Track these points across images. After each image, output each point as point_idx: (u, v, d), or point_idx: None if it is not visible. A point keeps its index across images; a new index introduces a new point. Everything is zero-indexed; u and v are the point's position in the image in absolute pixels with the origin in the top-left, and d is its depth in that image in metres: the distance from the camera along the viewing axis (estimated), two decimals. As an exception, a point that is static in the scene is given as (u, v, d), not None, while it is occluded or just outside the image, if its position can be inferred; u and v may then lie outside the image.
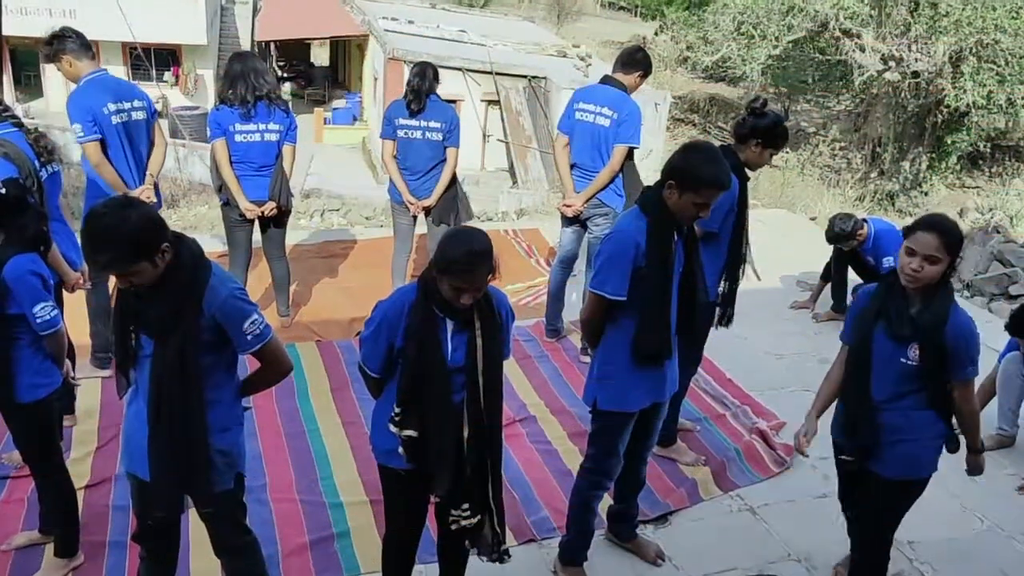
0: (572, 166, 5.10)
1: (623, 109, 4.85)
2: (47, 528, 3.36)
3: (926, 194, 17.93)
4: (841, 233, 5.73)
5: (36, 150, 3.66)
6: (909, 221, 3.48)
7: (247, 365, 2.77)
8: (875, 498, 3.11)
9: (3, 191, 2.92)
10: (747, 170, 3.87)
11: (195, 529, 3.26)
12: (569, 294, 5.52)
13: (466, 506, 2.83)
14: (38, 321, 2.90)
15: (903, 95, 17.29)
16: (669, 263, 3.02)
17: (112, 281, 4.47)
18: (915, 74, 16.49)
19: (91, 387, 4.48)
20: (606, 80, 5.00)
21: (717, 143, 3.94)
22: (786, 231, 8.03)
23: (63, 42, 4.31)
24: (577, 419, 4.56)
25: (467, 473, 2.78)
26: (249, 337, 2.54)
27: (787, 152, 17.81)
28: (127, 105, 4.49)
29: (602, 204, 5.02)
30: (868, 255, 5.80)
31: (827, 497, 4.11)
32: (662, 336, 3.08)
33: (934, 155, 18.23)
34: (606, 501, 3.54)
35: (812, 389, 5.10)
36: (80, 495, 3.46)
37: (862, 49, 17.00)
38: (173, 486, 2.59)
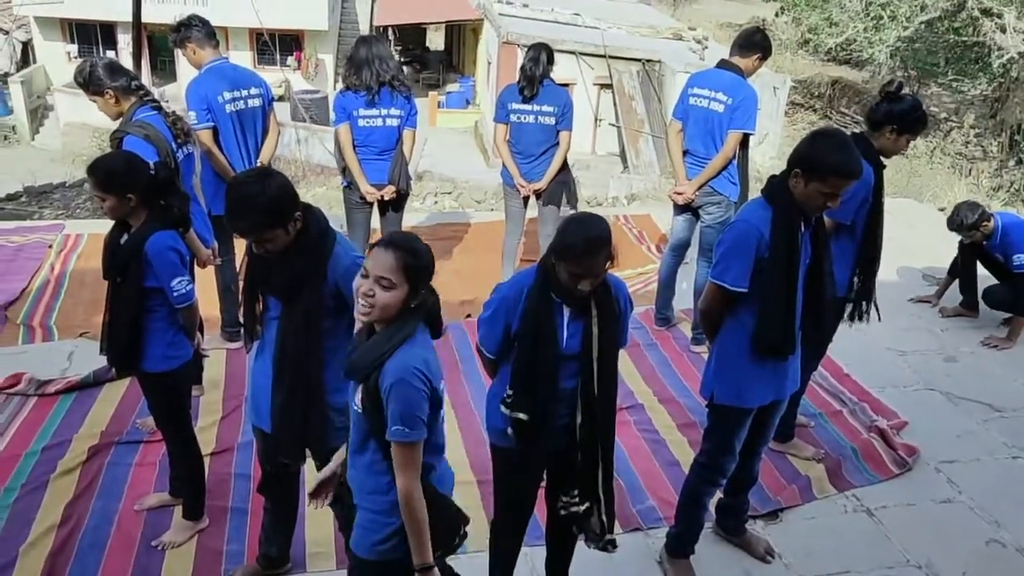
0: (685, 153, 5.01)
1: (738, 94, 4.72)
2: (176, 491, 3.56)
3: (1069, 185, 16.73)
4: (963, 223, 5.41)
5: (174, 132, 3.86)
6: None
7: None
8: None
9: (154, 172, 3.09)
10: (882, 158, 3.70)
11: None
12: (680, 282, 5.43)
13: (575, 492, 2.85)
14: (175, 295, 3.06)
15: (1047, 79, 16.17)
16: (794, 255, 2.91)
17: (239, 258, 4.70)
18: (1061, 57, 15.39)
19: (217, 359, 4.71)
20: (722, 64, 4.87)
21: (841, 129, 3.78)
22: (912, 222, 7.66)
23: (188, 30, 4.50)
24: (686, 410, 4.50)
25: (577, 459, 2.79)
26: None
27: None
28: (243, 93, 4.64)
29: (715, 192, 4.91)
30: (996, 251, 5.46)
31: (951, 503, 3.93)
32: (785, 331, 2.98)
33: (1080, 144, 16.98)
34: (715, 494, 3.47)
35: (937, 388, 4.94)
36: (206, 462, 3.65)
37: (1003, 30, 15.95)
38: (293, 438, 2.73)
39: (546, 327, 2.66)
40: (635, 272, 6.28)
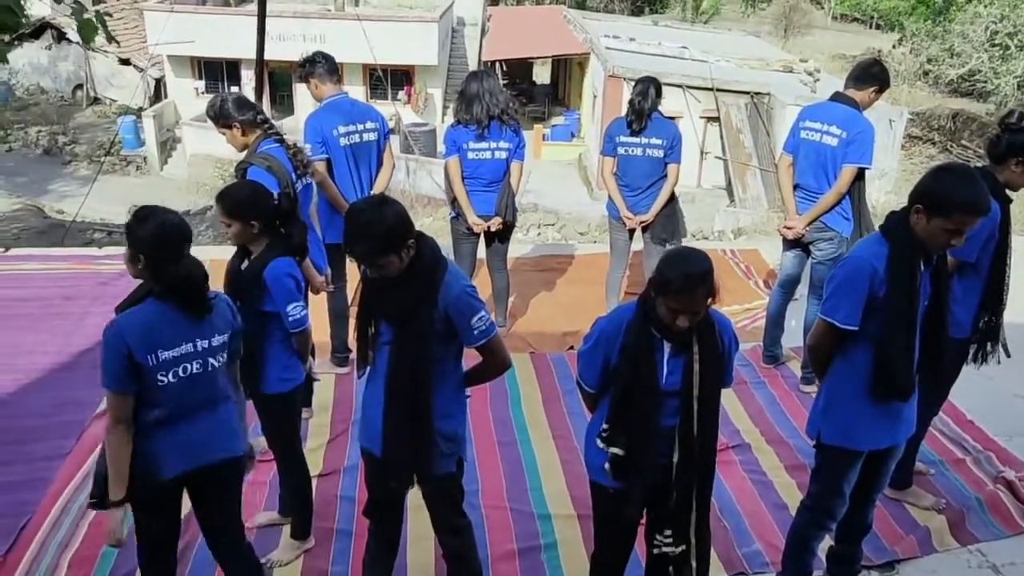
0: (795, 187, 4.90)
1: (853, 127, 4.59)
2: (285, 510, 3.67)
3: None
4: None
5: (294, 164, 4.03)
6: None
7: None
8: None
9: (277, 202, 3.24)
10: (1008, 192, 3.53)
11: (413, 525, 3.46)
12: (789, 319, 5.29)
13: (669, 532, 2.79)
14: (290, 319, 3.18)
15: None
16: (913, 294, 2.80)
17: (352, 285, 4.84)
18: None
19: (326, 383, 4.84)
20: (836, 97, 4.76)
21: (965, 163, 3.62)
22: (1042, 261, 7.23)
23: (313, 66, 4.70)
24: (796, 451, 4.35)
25: (672, 499, 2.74)
26: (476, 332, 2.70)
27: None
28: (358, 127, 4.79)
29: (827, 227, 4.77)
30: None
31: (1087, 563, 3.65)
32: (903, 373, 2.86)
33: None
34: (826, 541, 3.34)
35: (1072, 439, 4.60)
36: (313, 483, 3.74)
37: None
38: (402, 463, 2.78)
39: (645, 363, 2.64)
40: (742, 308, 6.15)
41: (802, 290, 5.20)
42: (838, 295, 2.87)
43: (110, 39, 8.61)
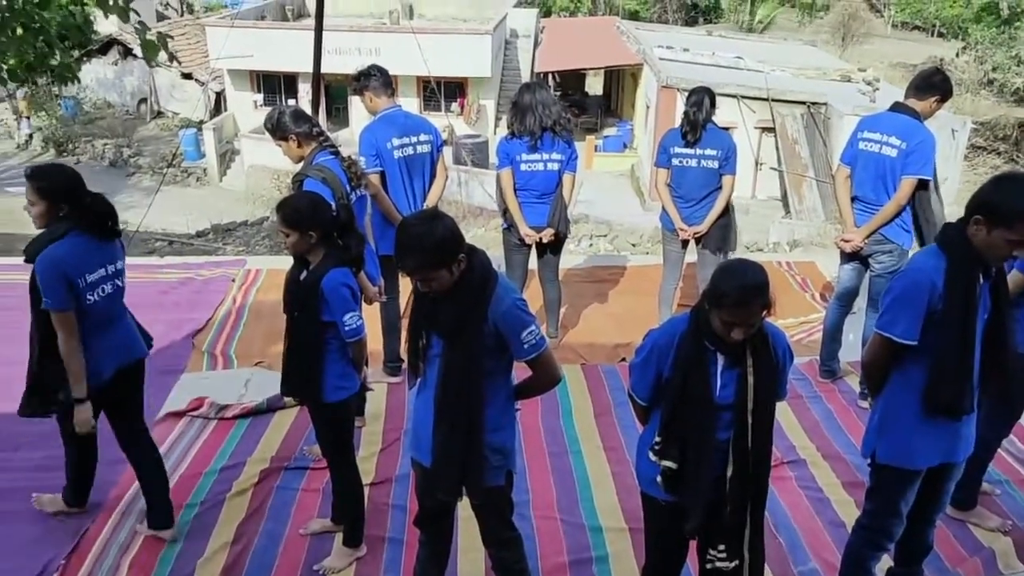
0: (853, 199, 4.81)
1: (914, 138, 4.50)
2: (338, 518, 3.71)
3: None
4: None
5: (348, 176, 4.10)
6: None
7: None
8: None
9: (335, 214, 3.30)
10: None
11: (464, 536, 3.47)
12: (846, 333, 5.18)
13: (722, 547, 2.76)
14: (346, 329, 3.23)
15: None
16: (971, 308, 2.73)
17: (404, 296, 4.89)
18: None
19: (379, 392, 4.89)
20: (896, 107, 4.66)
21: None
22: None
23: (368, 79, 4.76)
24: (853, 468, 4.26)
25: (726, 513, 2.70)
26: (526, 346, 2.70)
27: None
28: (412, 139, 4.83)
29: (886, 240, 4.68)
30: None
31: None
32: (960, 388, 2.79)
33: None
34: (885, 561, 3.26)
35: None
36: (365, 491, 3.78)
37: None
38: (451, 475, 2.79)
39: (698, 375, 2.62)
40: (797, 321, 6.05)
41: (860, 303, 5.10)
42: (895, 309, 2.81)
43: (171, 58, 8.87)
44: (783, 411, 4.70)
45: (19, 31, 9.86)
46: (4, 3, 9.28)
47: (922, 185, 4.58)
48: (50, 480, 4.07)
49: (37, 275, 3.18)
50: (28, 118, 25.42)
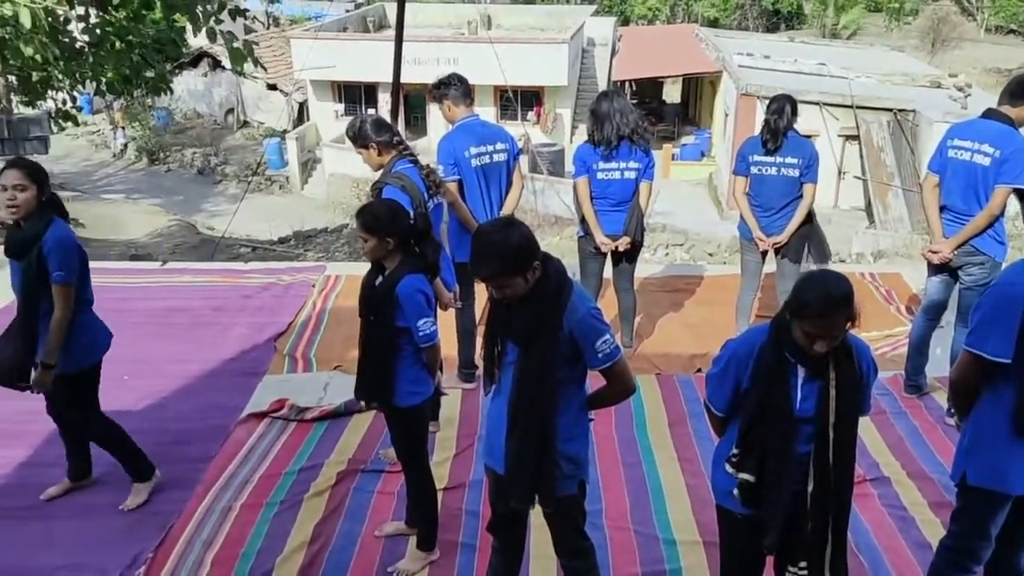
0: (942, 208, 4.65)
1: (1008, 146, 4.33)
2: (411, 521, 3.75)
3: None
4: None
5: (426, 184, 4.16)
6: None
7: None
8: None
9: (414, 222, 3.36)
10: None
11: (536, 543, 3.47)
12: (934, 347, 5.00)
13: (803, 565, 2.70)
14: (420, 334, 3.28)
15: None
16: None
17: (479, 303, 4.93)
18: None
19: (453, 398, 4.93)
20: (989, 113, 4.50)
21: None
22: None
23: (447, 88, 4.82)
24: (940, 487, 4.10)
25: (807, 530, 2.64)
26: (600, 355, 2.69)
27: None
28: (489, 148, 4.87)
29: (977, 251, 4.51)
30: None
31: None
32: None
33: None
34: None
35: None
36: (439, 496, 3.82)
37: None
38: (524, 482, 2.79)
39: (778, 388, 2.57)
40: (882, 334, 5.87)
41: (948, 317, 4.92)
42: (986, 325, 2.71)
43: (256, 64, 9.17)
44: (866, 427, 4.57)
45: (117, 45, 10.35)
46: (103, 19, 9.75)
47: (1018, 195, 4.40)
48: (139, 476, 4.24)
49: (52, 251, 3.50)
50: (123, 128, 26.63)
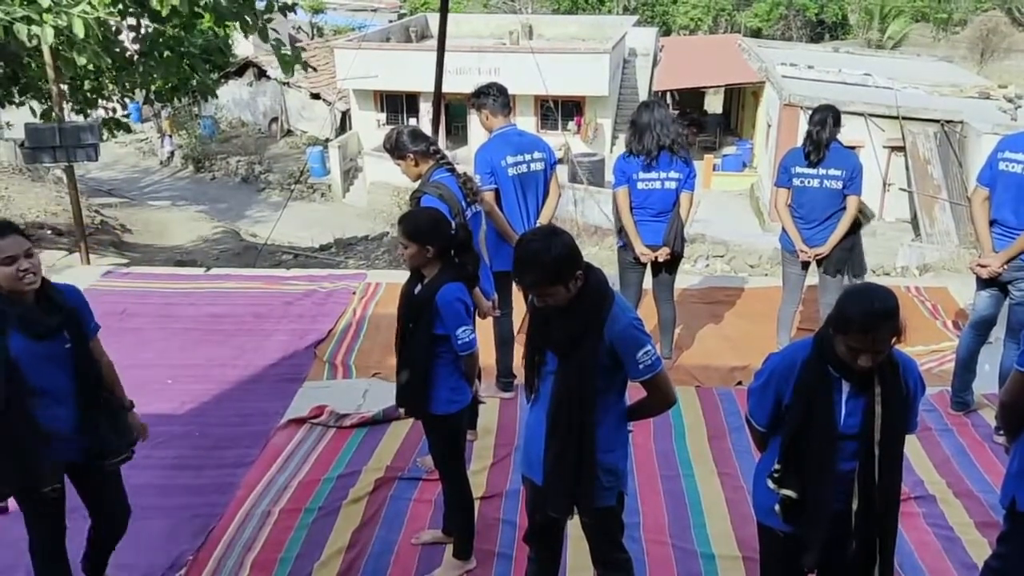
0: (992, 222, 4.55)
1: None
2: (448, 529, 3.76)
3: None
4: None
5: (464, 192, 4.17)
6: None
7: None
8: None
9: (454, 231, 3.38)
10: None
11: (573, 554, 3.46)
12: (982, 364, 4.89)
13: (846, 584, 2.64)
14: (459, 342, 3.29)
15: None
16: None
17: (517, 312, 4.93)
18: None
19: (491, 407, 4.93)
20: (1042, 125, 4.39)
21: None
22: None
23: (486, 98, 4.83)
24: (987, 507, 4.00)
25: (852, 549, 2.59)
26: (641, 366, 2.68)
27: None
28: (526, 157, 4.88)
29: (1029, 267, 4.40)
30: None
31: None
32: None
33: None
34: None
35: None
36: (476, 505, 3.81)
37: None
38: (562, 492, 2.78)
39: (821, 403, 2.53)
40: (927, 349, 5.75)
41: (997, 332, 4.81)
42: None
43: (305, 67, 9.31)
44: (910, 444, 4.43)
45: (166, 54, 10.57)
46: (156, 30, 9.97)
47: None
48: (181, 478, 4.32)
49: (82, 303, 3.07)
50: (170, 136, 27.16)
